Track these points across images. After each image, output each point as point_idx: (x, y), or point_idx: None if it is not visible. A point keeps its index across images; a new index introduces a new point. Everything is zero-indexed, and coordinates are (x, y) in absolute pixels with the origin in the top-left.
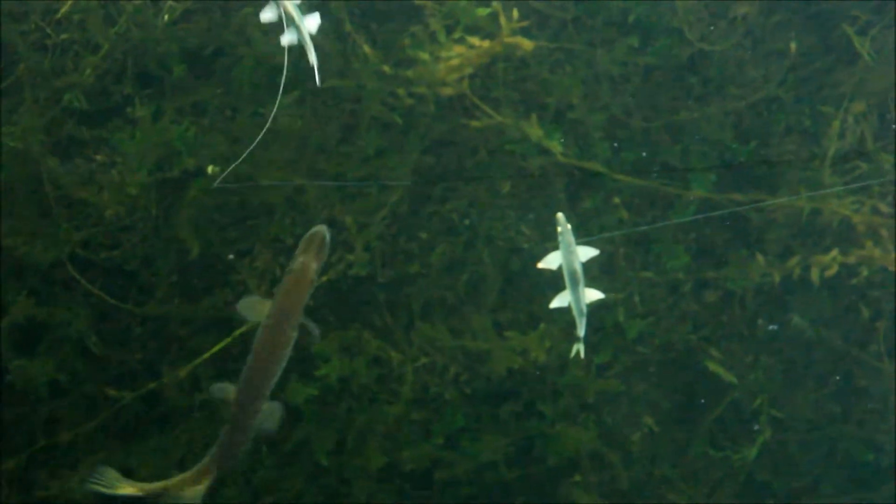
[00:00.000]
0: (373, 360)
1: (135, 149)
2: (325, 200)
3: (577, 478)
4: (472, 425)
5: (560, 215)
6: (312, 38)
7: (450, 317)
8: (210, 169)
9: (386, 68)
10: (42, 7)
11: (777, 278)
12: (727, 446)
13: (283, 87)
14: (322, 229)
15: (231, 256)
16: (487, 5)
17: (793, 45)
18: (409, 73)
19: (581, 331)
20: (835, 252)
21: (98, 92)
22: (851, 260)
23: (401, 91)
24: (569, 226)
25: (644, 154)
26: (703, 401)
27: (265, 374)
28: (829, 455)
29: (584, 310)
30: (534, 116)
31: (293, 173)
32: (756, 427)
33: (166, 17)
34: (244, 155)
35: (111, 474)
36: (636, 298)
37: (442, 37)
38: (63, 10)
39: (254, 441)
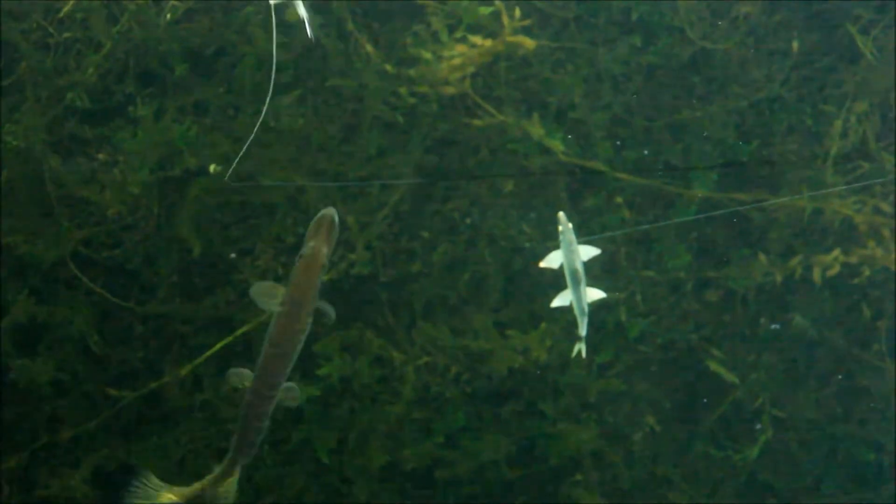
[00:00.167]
0: (374, 360)
1: (137, 148)
2: (327, 199)
3: (579, 477)
4: (473, 424)
5: (561, 214)
6: None
7: (451, 316)
8: (212, 168)
9: (388, 67)
10: (44, 6)
11: (779, 278)
12: (729, 446)
13: (286, 87)
14: (331, 212)
15: (233, 255)
16: (489, 4)
17: (795, 45)
18: (412, 72)
19: (582, 330)
20: (837, 252)
21: (100, 91)
22: (853, 260)
23: (403, 90)
24: (570, 225)
25: (646, 153)
26: (704, 400)
27: (283, 361)
28: (830, 455)
29: (586, 309)
30: (536, 115)
31: (295, 173)
32: (758, 427)
33: (168, 16)
34: (242, 152)
35: (153, 481)
36: (638, 297)
37: (444, 36)
38: (65, 8)
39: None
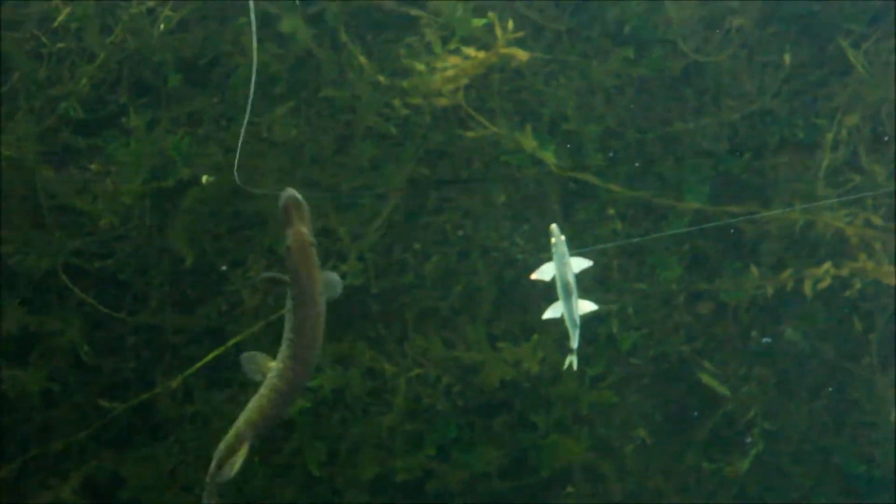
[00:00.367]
0: (366, 371)
1: (129, 158)
2: (320, 210)
3: (570, 489)
4: (464, 436)
5: (554, 226)
6: None
7: (443, 328)
8: (204, 179)
9: (381, 79)
10: (38, 16)
11: (770, 290)
12: (720, 458)
13: (279, 98)
14: (291, 192)
15: (224, 268)
16: (483, 16)
17: (787, 58)
18: (405, 83)
19: (574, 342)
20: (828, 264)
21: (94, 101)
22: (844, 272)
23: (396, 101)
24: (562, 237)
25: (638, 165)
26: (696, 413)
27: (313, 351)
28: (821, 467)
29: (578, 321)
30: (529, 127)
31: (288, 183)
32: (749, 439)
33: (162, 26)
34: (244, 148)
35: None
36: (630, 310)
37: (437, 47)
38: (59, 18)
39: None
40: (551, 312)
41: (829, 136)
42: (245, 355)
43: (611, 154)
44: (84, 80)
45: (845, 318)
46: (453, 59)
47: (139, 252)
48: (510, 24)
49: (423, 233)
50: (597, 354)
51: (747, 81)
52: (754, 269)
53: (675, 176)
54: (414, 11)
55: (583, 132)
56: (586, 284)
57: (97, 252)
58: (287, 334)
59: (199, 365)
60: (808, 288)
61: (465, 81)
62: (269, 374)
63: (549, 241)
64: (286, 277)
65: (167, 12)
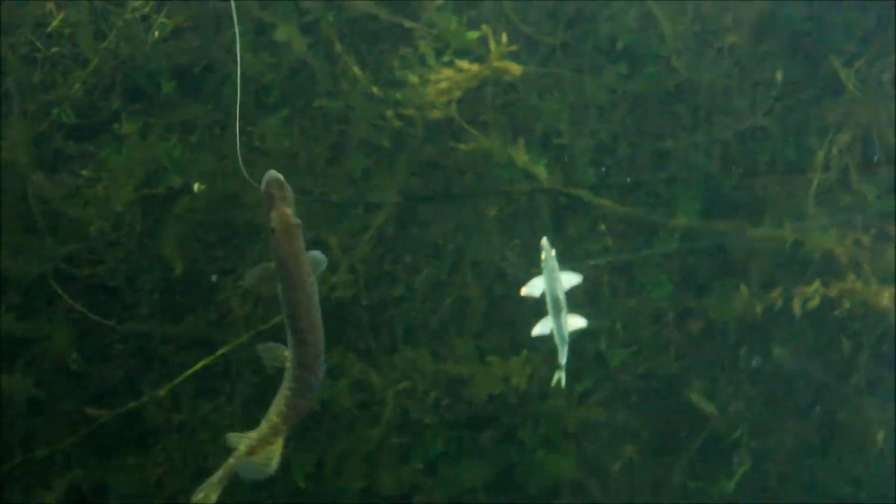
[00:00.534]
0: (354, 383)
1: (121, 164)
2: (311, 221)
3: None
4: (451, 451)
5: (544, 241)
6: None
7: (433, 341)
8: (196, 187)
9: (375, 90)
10: (33, 20)
11: (759, 309)
12: (707, 477)
13: (272, 107)
14: (273, 174)
15: (214, 278)
16: (477, 29)
17: (779, 76)
18: (398, 95)
19: (563, 358)
20: (817, 284)
21: (86, 106)
22: (833, 292)
23: (389, 113)
24: (553, 252)
25: (630, 181)
26: (683, 432)
27: (316, 330)
28: (808, 487)
29: (567, 337)
30: (521, 141)
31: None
32: (736, 458)
33: (157, 33)
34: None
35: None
36: (619, 326)
37: (431, 60)
38: (54, 23)
39: None
40: (540, 328)
41: (821, 156)
42: (261, 346)
43: (603, 169)
44: (77, 86)
45: (834, 338)
46: (447, 72)
47: (129, 259)
48: (504, 38)
49: (414, 245)
50: (585, 371)
51: (739, 99)
52: (744, 288)
53: (666, 192)
54: (408, 23)
55: (575, 147)
56: (576, 300)
57: (87, 258)
58: (285, 321)
59: (187, 374)
60: (797, 307)
61: (458, 94)
62: (286, 365)
63: (539, 255)
64: (271, 265)
65: (162, 19)
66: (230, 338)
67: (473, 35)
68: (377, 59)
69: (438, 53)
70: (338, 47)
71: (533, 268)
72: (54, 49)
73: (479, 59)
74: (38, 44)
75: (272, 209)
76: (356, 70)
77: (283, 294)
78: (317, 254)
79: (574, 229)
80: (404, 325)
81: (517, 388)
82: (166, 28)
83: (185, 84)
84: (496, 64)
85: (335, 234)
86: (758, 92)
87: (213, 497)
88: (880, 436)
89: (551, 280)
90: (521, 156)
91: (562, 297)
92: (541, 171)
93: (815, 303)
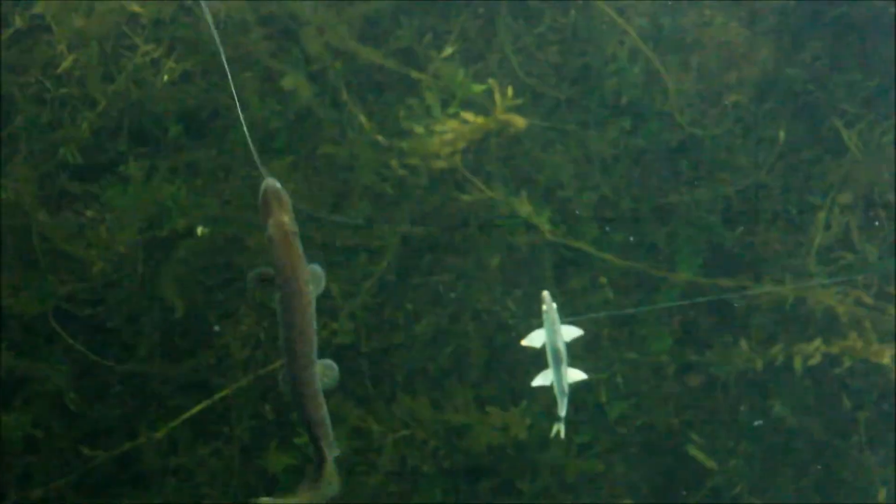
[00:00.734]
0: (353, 430)
1: (126, 206)
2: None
3: None
4: (449, 500)
5: (545, 294)
6: None
7: (432, 389)
8: (199, 230)
9: (380, 139)
10: (43, 61)
11: (760, 365)
12: None
13: (278, 153)
14: (271, 182)
15: (216, 328)
16: (483, 82)
17: (782, 135)
18: (403, 144)
19: (562, 410)
20: (818, 341)
21: (93, 147)
22: (834, 350)
23: (394, 162)
24: (554, 304)
25: (631, 236)
26: (683, 490)
27: (306, 337)
28: None
29: (567, 389)
30: (524, 193)
31: None
32: None
33: (165, 77)
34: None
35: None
36: (619, 379)
37: (437, 111)
38: (64, 65)
39: None
40: (540, 379)
41: (822, 214)
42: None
43: (605, 223)
44: (84, 126)
45: (835, 395)
46: (452, 123)
47: (130, 300)
48: (510, 91)
49: (415, 293)
50: (584, 423)
51: (742, 156)
52: (744, 343)
53: (668, 247)
54: (415, 74)
55: (578, 200)
56: (576, 352)
57: (88, 298)
58: (281, 331)
59: (184, 416)
60: (797, 364)
61: (462, 145)
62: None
63: (540, 307)
64: (271, 269)
65: (171, 64)
66: (229, 381)
67: (479, 88)
68: (383, 108)
69: (444, 104)
70: (344, 96)
71: (534, 318)
72: (63, 90)
73: (485, 112)
74: (48, 84)
75: (269, 217)
76: (362, 119)
77: (279, 301)
78: (316, 268)
79: (575, 282)
80: (404, 373)
81: (516, 438)
82: (175, 72)
83: (191, 127)
84: (501, 116)
85: (336, 281)
86: (760, 150)
87: None
88: (882, 494)
89: (552, 332)
90: (524, 207)
91: (562, 348)
92: (543, 222)
93: (816, 360)
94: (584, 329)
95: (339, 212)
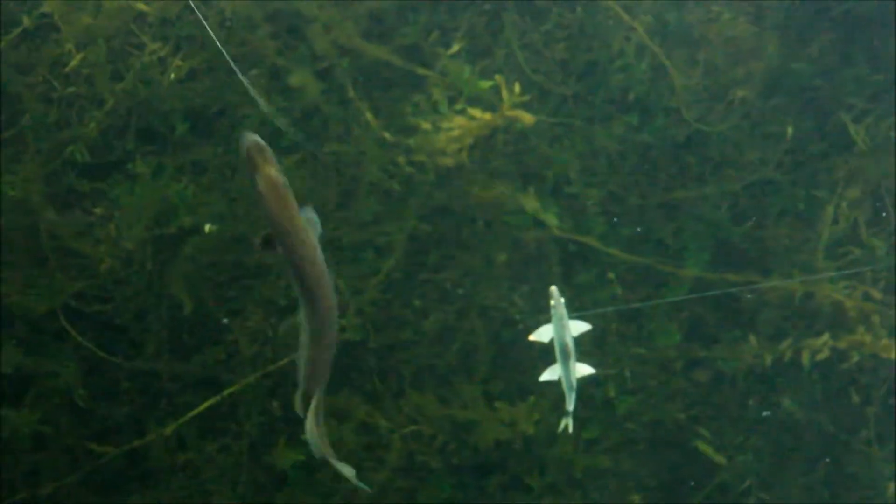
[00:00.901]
0: (361, 426)
1: (133, 203)
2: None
3: None
4: (457, 496)
5: (553, 289)
6: None
7: (440, 385)
8: (207, 228)
9: (387, 135)
10: (50, 60)
11: (768, 360)
12: None
13: (285, 151)
14: (251, 137)
15: (225, 321)
16: (490, 78)
17: (789, 130)
18: (410, 141)
19: (570, 405)
20: (826, 336)
21: (100, 146)
22: (842, 345)
23: (401, 159)
24: (562, 299)
25: (639, 231)
26: (691, 482)
27: (321, 280)
28: None
29: (574, 384)
30: (531, 189)
31: None
32: None
33: (173, 75)
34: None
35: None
36: (627, 374)
37: (444, 107)
38: (72, 64)
39: None
40: (548, 374)
41: (830, 209)
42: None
43: (613, 219)
44: (92, 125)
45: (842, 390)
46: (459, 120)
47: (138, 297)
48: (517, 87)
49: (423, 290)
50: (592, 418)
51: (749, 152)
52: (752, 339)
53: (675, 242)
54: (422, 71)
55: (585, 196)
56: (584, 348)
57: (97, 296)
58: (293, 282)
59: (193, 413)
60: (805, 359)
61: (469, 141)
62: (301, 329)
63: (548, 302)
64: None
65: (177, 62)
66: (237, 378)
67: (486, 84)
68: (390, 105)
69: (451, 101)
70: (351, 93)
71: (541, 314)
72: (70, 89)
73: (492, 108)
74: (56, 83)
75: (256, 171)
76: (369, 116)
77: (286, 256)
78: (309, 212)
79: (583, 277)
80: (412, 368)
81: (524, 434)
82: (182, 71)
83: (198, 126)
84: (508, 113)
85: (344, 277)
86: (767, 145)
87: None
88: (890, 489)
89: (560, 327)
90: (531, 203)
91: (570, 344)
92: (551, 218)
93: (824, 355)
94: (592, 324)
95: (347, 208)
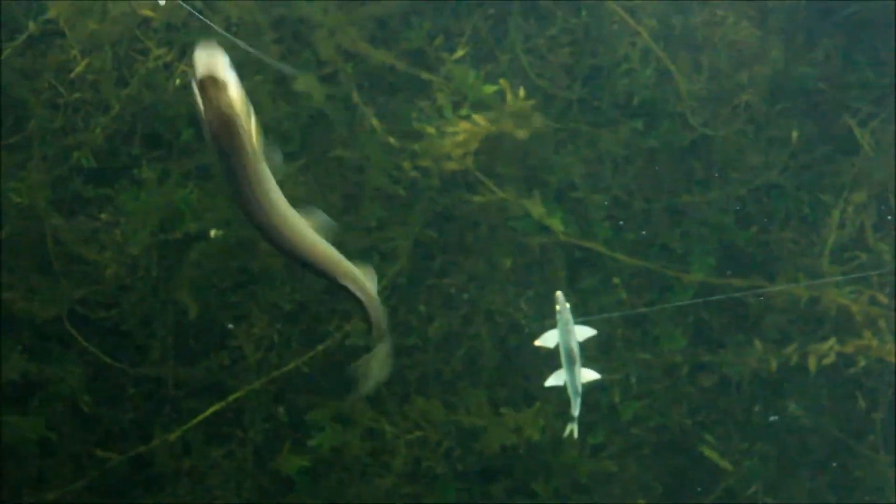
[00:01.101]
0: (366, 432)
1: (139, 209)
2: None
3: None
4: (463, 501)
5: (559, 294)
6: None
7: (445, 391)
8: (213, 233)
9: (392, 140)
10: (56, 66)
11: (774, 365)
12: None
13: (290, 156)
14: (203, 50)
15: (230, 326)
16: (495, 83)
17: (794, 134)
18: (415, 146)
19: (575, 410)
20: (832, 341)
21: (106, 151)
22: (849, 349)
23: (405, 164)
24: (567, 304)
25: (644, 235)
26: (697, 487)
27: (283, 219)
28: None
29: (580, 389)
30: (536, 194)
31: None
32: None
33: (178, 80)
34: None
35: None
36: (632, 380)
37: (448, 112)
38: (77, 70)
39: None
40: (554, 380)
41: (836, 213)
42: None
43: (618, 223)
44: (98, 131)
45: (849, 395)
46: (464, 125)
47: (144, 303)
48: (521, 92)
49: (428, 295)
50: (598, 423)
51: (754, 156)
52: (758, 343)
53: (680, 247)
54: (426, 76)
55: (590, 201)
56: (590, 353)
57: (102, 301)
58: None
59: (198, 419)
60: (811, 364)
61: (474, 146)
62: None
63: (553, 308)
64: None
65: (183, 67)
66: (242, 384)
67: (491, 89)
68: (395, 110)
69: (456, 106)
70: (356, 98)
71: (547, 319)
72: (76, 94)
73: (496, 113)
74: (61, 89)
75: (204, 95)
76: (374, 121)
77: (240, 200)
78: (273, 150)
79: (588, 282)
80: (417, 374)
81: (530, 439)
82: (187, 76)
83: (203, 131)
84: (513, 117)
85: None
86: (773, 149)
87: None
88: None
89: (565, 332)
90: (536, 208)
91: (576, 349)
92: (556, 223)
93: (830, 359)
94: (598, 329)
95: (351, 213)
